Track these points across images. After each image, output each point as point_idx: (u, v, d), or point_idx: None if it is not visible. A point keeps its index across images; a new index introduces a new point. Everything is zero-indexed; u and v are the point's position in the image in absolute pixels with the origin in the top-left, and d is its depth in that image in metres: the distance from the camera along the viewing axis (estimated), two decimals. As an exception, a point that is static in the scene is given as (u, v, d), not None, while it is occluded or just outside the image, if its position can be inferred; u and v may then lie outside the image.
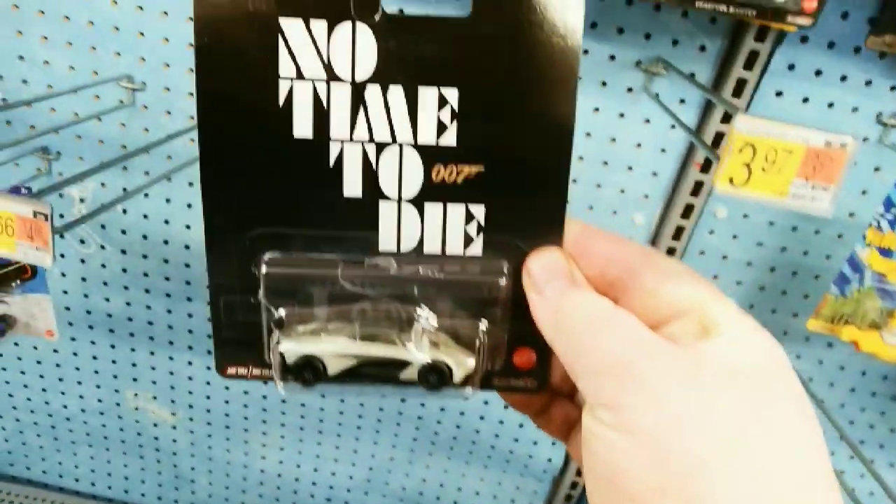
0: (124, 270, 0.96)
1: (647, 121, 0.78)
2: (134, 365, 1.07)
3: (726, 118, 0.75)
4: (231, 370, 0.31)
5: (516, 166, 0.28)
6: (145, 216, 0.91)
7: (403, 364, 0.29)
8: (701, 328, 0.25)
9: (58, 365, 1.09)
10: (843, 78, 0.73)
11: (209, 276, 0.29)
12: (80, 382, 1.10)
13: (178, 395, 1.10)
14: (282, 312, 0.29)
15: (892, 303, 0.69)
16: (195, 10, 0.25)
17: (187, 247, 0.93)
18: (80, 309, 1.01)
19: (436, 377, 0.29)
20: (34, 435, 1.18)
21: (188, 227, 0.91)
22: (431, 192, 0.28)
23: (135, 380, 1.09)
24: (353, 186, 0.28)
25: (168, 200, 0.89)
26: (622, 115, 0.78)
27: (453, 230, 0.29)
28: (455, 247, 0.29)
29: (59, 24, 0.78)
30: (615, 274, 0.27)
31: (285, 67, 0.26)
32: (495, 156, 0.28)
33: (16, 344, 1.07)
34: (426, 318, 0.29)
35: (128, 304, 1.00)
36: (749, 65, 0.71)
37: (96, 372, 1.09)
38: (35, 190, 0.67)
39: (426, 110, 0.27)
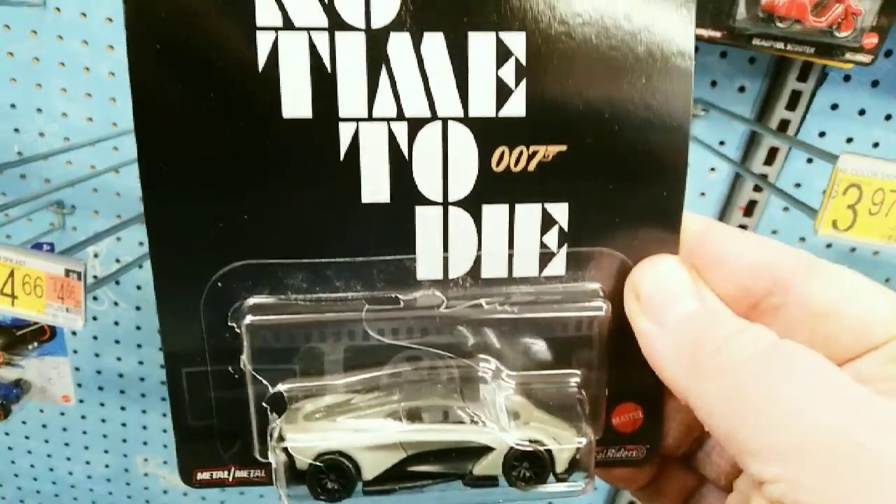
0: (138, 328, 0.92)
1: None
2: (144, 428, 1.01)
3: (769, 159, 0.73)
4: (202, 475, 0.21)
5: (613, 142, 0.19)
6: (162, 271, 0.87)
7: (478, 451, 0.18)
8: None
9: (64, 429, 1.03)
10: (888, 117, 0.71)
11: (162, 341, 0.20)
12: (87, 447, 1.04)
13: (191, 458, 1.04)
14: (281, 387, 0.19)
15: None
16: None
17: (205, 302, 0.89)
18: (90, 369, 0.96)
19: (531, 467, 0.19)
20: (36, 504, 1.12)
21: (206, 281, 0.87)
22: (492, 187, 0.19)
23: (145, 443, 1.03)
24: (375, 187, 0.18)
25: (186, 254, 0.86)
26: (660, 158, 0.75)
27: (525, 242, 0.19)
28: (528, 266, 0.20)
29: (79, 75, 0.76)
30: (762, 289, 0.19)
31: (265, 13, 0.17)
32: (582, 128, 0.19)
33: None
34: (496, 373, 0.20)
35: (140, 363, 0.95)
36: (792, 105, 0.69)
37: (105, 436, 1.03)
38: (57, 246, 0.64)
39: (480, 65, 0.17)
